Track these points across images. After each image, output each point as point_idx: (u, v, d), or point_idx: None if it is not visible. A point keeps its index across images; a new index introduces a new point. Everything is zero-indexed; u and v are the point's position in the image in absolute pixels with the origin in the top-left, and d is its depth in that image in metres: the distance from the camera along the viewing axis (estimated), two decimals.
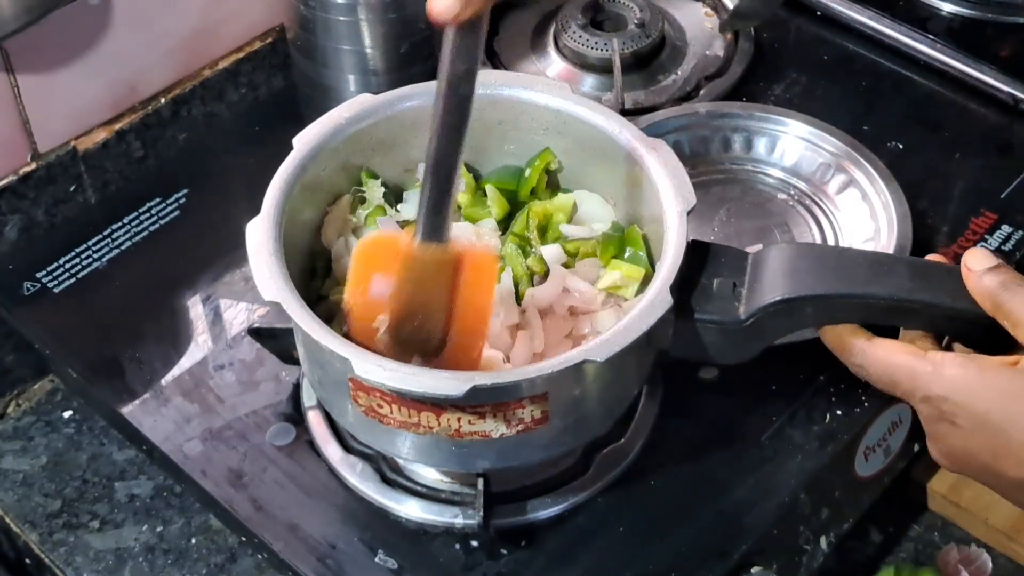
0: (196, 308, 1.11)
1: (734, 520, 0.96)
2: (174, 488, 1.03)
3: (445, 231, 0.84)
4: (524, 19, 1.36)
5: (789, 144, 1.18)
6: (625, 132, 0.94)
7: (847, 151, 1.15)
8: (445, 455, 0.89)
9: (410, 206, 0.98)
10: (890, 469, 1.08)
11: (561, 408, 0.86)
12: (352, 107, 0.96)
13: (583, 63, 1.29)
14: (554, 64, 1.30)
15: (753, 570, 0.95)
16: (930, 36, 1.31)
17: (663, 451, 1.00)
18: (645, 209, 0.93)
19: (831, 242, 1.12)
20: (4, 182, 1.12)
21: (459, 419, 0.84)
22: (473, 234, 0.96)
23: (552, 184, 1.00)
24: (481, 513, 0.93)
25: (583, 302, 0.91)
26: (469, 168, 1.01)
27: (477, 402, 0.83)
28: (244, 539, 0.99)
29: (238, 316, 1.09)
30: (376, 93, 0.97)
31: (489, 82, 0.98)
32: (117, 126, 1.18)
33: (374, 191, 0.98)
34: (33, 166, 1.13)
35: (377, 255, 0.87)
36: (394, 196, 1.00)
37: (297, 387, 1.04)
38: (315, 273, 0.96)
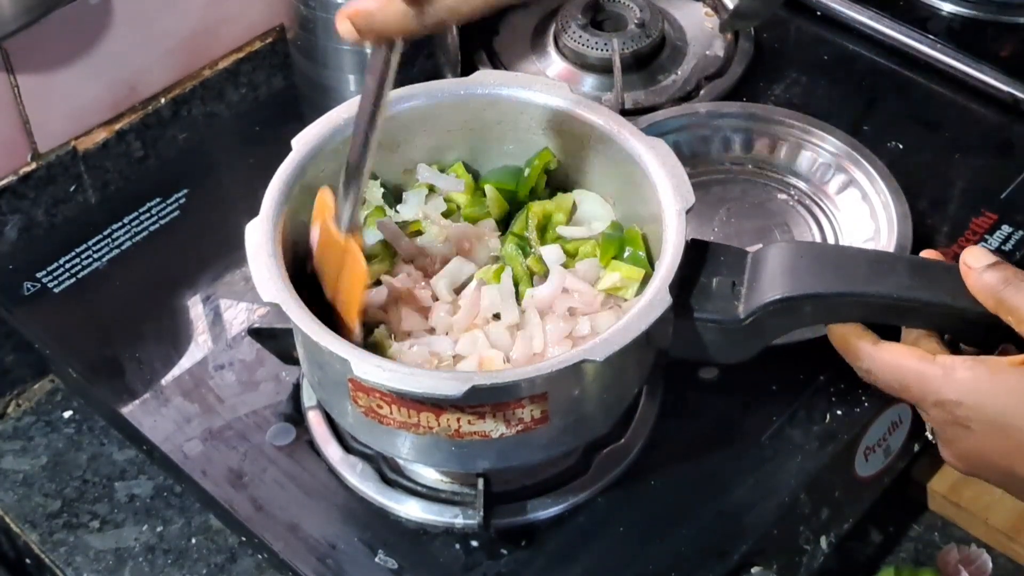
0: (196, 308, 1.11)
1: (734, 520, 0.96)
2: (174, 488, 1.03)
3: (347, 221, 0.88)
4: (524, 19, 1.36)
5: (789, 144, 1.18)
6: (624, 132, 0.94)
7: (847, 151, 1.15)
8: (445, 455, 0.89)
9: (409, 206, 0.98)
10: (890, 469, 1.08)
11: (561, 408, 0.86)
12: (351, 107, 0.95)
13: (583, 63, 1.29)
14: (554, 64, 1.30)
15: (753, 570, 0.95)
16: (930, 36, 1.31)
17: (663, 451, 1.00)
18: (644, 208, 0.93)
19: (831, 242, 1.12)
20: (4, 182, 1.12)
21: (459, 419, 0.84)
22: (473, 235, 0.96)
23: (552, 184, 1.00)
24: (481, 513, 0.93)
25: (583, 303, 0.91)
26: (468, 168, 1.01)
27: (476, 402, 0.83)
28: (244, 539, 0.99)
29: (238, 316, 1.09)
30: None
31: (488, 82, 0.98)
32: (117, 126, 1.18)
33: (373, 192, 0.98)
34: (33, 166, 1.13)
35: (323, 207, 0.92)
36: (393, 196, 1.00)
37: (297, 387, 1.04)
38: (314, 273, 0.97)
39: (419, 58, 1.18)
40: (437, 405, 0.84)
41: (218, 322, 1.09)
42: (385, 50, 0.84)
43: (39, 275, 1.12)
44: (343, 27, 0.83)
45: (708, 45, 1.33)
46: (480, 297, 0.91)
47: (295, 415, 1.02)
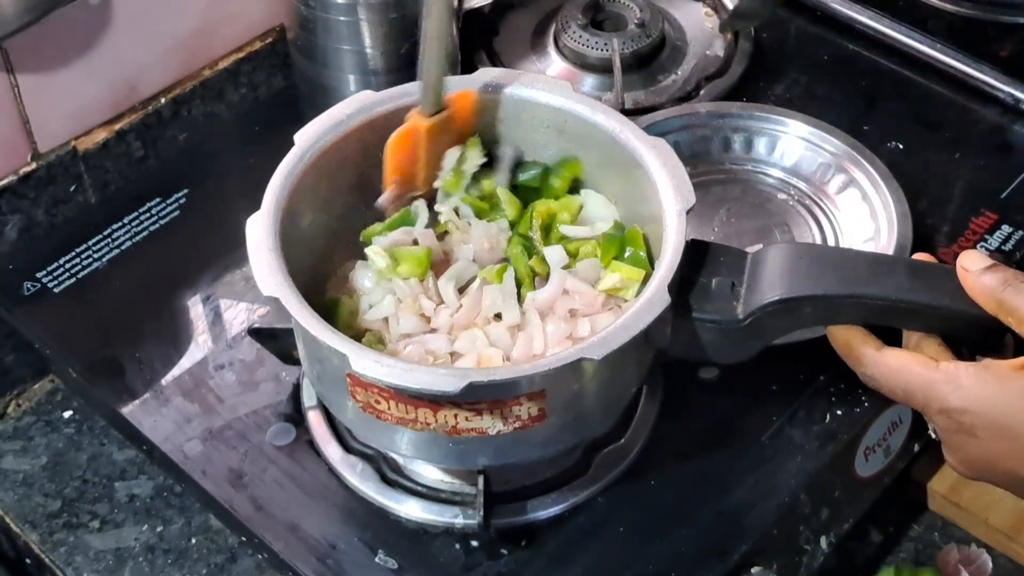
0: (196, 308, 1.11)
1: (734, 520, 0.96)
2: (174, 488, 1.03)
3: (433, 99, 0.94)
4: (524, 19, 1.36)
5: (789, 144, 1.18)
6: (625, 131, 0.94)
7: (847, 151, 1.15)
8: (443, 451, 0.89)
9: (445, 208, 0.99)
10: (890, 469, 1.08)
11: (559, 406, 0.86)
12: (353, 104, 0.96)
13: (583, 63, 1.29)
14: (554, 64, 1.30)
15: (753, 570, 0.95)
16: (930, 36, 1.31)
17: (663, 451, 1.00)
18: (645, 208, 0.93)
19: (831, 242, 1.12)
20: (4, 182, 1.12)
21: (456, 416, 0.84)
22: (486, 237, 0.96)
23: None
24: (481, 513, 0.93)
25: (583, 304, 0.91)
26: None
27: (474, 399, 0.83)
28: (244, 539, 0.99)
29: (238, 316, 1.09)
30: None
31: (490, 80, 0.98)
32: (117, 126, 1.18)
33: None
34: (33, 166, 1.13)
35: (402, 144, 0.96)
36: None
37: (297, 387, 1.04)
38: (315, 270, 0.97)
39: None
40: (434, 401, 0.84)
41: (218, 322, 1.09)
42: None
43: (39, 275, 1.12)
44: None
45: (708, 45, 1.33)
46: (482, 296, 0.91)
47: (295, 415, 1.02)
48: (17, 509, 1.03)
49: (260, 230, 0.88)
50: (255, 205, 0.89)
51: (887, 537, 1.14)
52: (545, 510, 0.96)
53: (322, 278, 0.96)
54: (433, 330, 0.91)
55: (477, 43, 1.32)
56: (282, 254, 0.87)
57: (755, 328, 0.86)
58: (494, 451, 0.88)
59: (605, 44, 1.27)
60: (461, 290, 0.93)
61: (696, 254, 0.88)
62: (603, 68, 1.27)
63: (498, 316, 0.91)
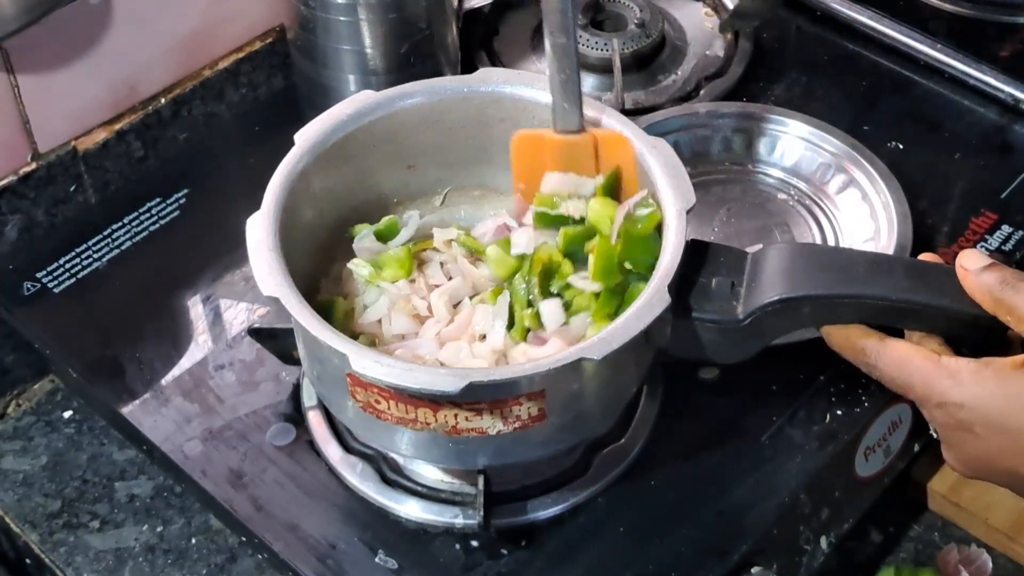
0: (196, 308, 1.11)
1: (734, 520, 0.96)
2: (174, 488, 1.03)
3: (579, 119, 0.93)
4: (524, 19, 1.36)
5: (789, 144, 1.18)
6: (625, 131, 0.94)
7: (847, 151, 1.15)
8: (443, 451, 0.89)
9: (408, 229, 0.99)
10: (890, 469, 1.08)
11: (559, 405, 0.86)
12: (353, 104, 0.96)
13: (583, 63, 1.27)
14: None
15: (753, 570, 0.95)
16: (930, 36, 1.31)
17: (663, 451, 1.00)
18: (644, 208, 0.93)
19: (831, 242, 1.12)
20: (4, 182, 1.12)
21: (456, 415, 0.84)
22: (470, 280, 0.95)
23: None
24: (481, 513, 0.93)
25: None
26: (469, 166, 1.01)
27: (474, 399, 0.83)
28: (244, 539, 0.99)
29: (238, 316, 1.09)
30: None
31: (490, 80, 0.98)
32: (117, 126, 1.18)
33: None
34: (33, 166, 1.13)
35: (527, 150, 0.96)
36: (394, 198, 1.00)
37: (297, 387, 1.04)
38: (315, 270, 0.97)
39: (419, 58, 1.18)
40: (434, 401, 0.84)
41: (218, 322, 1.09)
42: None
43: (39, 275, 1.12)
44: None
45: (708, 45, 1.33)
46: (473, 314, 0.91)
47: (295, 415, 1.02)
48: (17, 509, 1.03)
49: (260, 230, 0.88)
50: (255, 205, 0.89)
51: (887, 537, 1.14)
52: (545, 510, 0.96)
53: (321, 278, 0.97)
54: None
55: (477, 43, 1.32)
56: (282, 254, 0.87)
57: (755, 328, 0.86)
58: (494, 451, 0.88)
59: (605, 44, 1.27)
60: (455, 306, 0.94)
61: (696, 254, 0.88)
62: (603, 68, 1.27)
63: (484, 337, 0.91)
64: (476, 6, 1.34)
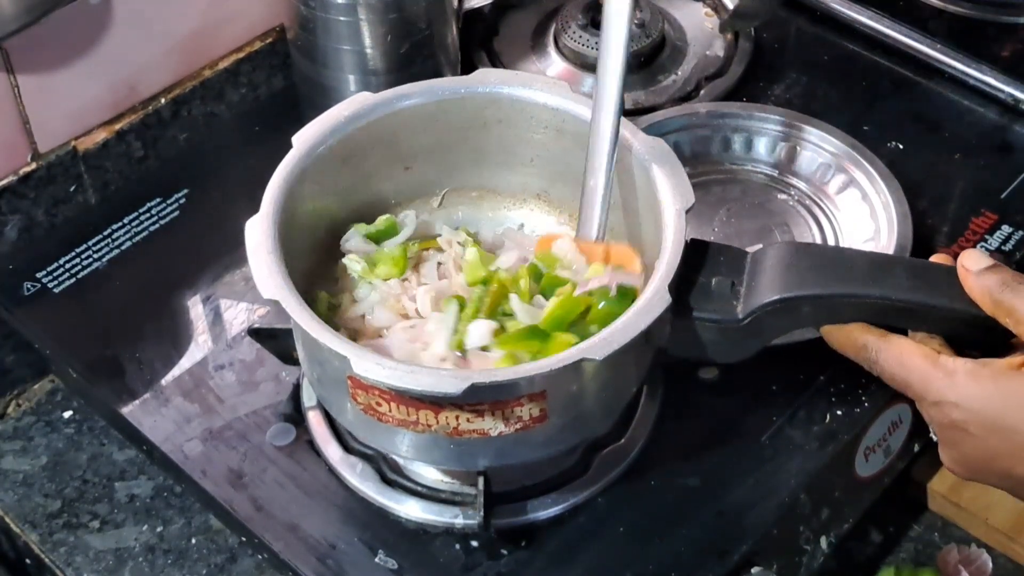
0: (196, 308, 1.11)
1: (734, 520, 0.96)
2: (174, 488, 1.03)
3: (599, 229, 0.92)
4: (524, 19, 1.36)
5: (789, 144, 1.18)
6: (624, 131, 0.94)
7: (847, 151, 1.15)
8: (444, 453, 0.89)
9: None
10: (890, 469, 1.08)
11: (560, 406, 0.86)
12: (351, 105, 0.96)
13: (583, 63, 1.29)
14: (554, 64, 1.30)
15: (753, 570, 0.95)
16: (930, 36, 1.31)
17: (663, 451, 1.00)
18: (643, 208, 0.93)
19: (831, 242, 1.12)
20: (4, 182, 1.12)
21: (457, 417, 0.84)
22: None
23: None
24: (481, 513, 0.93)
25: None
26: (468, 166, 1.01)
27: (475, 400, 0.83)
28: (244, 539, 0.99)
29: (238, 316, 1.09)
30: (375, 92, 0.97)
31: (488, 81, 0.98)
32: (117, 126, 1.18)
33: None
34: (33, 166, 1.13)
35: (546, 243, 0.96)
36: (394, 199, 1.00)
37: (297, 387, 1.04)
38: (314, 272, 0.97)
39: (419, 58, 1.18)
40: (436, 403, 0.84)
41: (218, 322, 1.09)
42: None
43: (39, 275, 1.12)
44: None
45: (708, 45, 1.33)
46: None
47: (295, 415, 1.02)
48: (17, 509, 1.03)
49: (259, 232, 0.88)
50: (255, 205, 0.89)
51: (887, 537, 1.14)
52: (545, 510, 0.96)
53: (320, 279, 0.97)
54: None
55: (477, 43, 1.32)
56: (281, 256, 0.87)
57: (755, 327, 0.86)
58: (495, 452, 0.88)
59: None
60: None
61: (696, 254, 0.88)
62: None
63: None
64: (476, 6, 1.34)
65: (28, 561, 1.05)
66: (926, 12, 1.38)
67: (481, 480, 0.93)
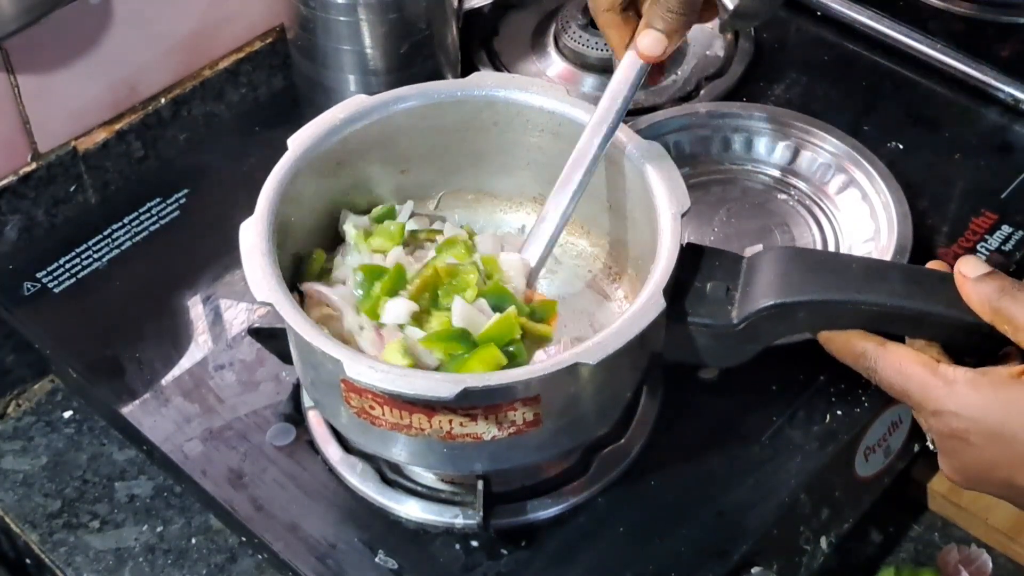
0: (196, 308, 1.11)
1: (734, 520, 0.96)
2: (174, 488, 1.04)
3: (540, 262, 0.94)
4: (524, 19, 1.36)
5: (789, 144, 1.18)
6: (620, 134, 0.94)
7: (847, 151, 1.15)
8: (438, 457, 0.88)
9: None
10: (890, 469, 1.08)
11: (554, 410, 0.86)
12: (347, 108, 0.96)
13: (583, 63, 1.29)
14: (554, 64, 1.30)
15: (753, 570, 0.95)
16: (930, 36, 1.31)
17: (663, 451, 1.00)
18: (639, 211, 0.93)
19: (831, 242, 1.12)
20: (4, 182, 1.12)
21: (450, 421, 0.84)
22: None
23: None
24: (481, 513, 0.93)
25: None
26: (467, 166, 1.01)
27: (468, 404, 0.83)
28: (244, 539, 0.99)
29: (238, 316, 1.10)
30: (376, 93, 0.97)
31: (485, 84, 0.98)
32: (117, 126, 1.18)
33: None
34: (33, 166, 1.13)
35: None
36: (396, 199, 1.01)
37: (297, 387, 1.04)
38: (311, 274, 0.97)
39: (419, 58, 1.18)
40: (429, 407, 0.84)
41: (218, 322, 1.09)
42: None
43: (39, 275, 1.12)
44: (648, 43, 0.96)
45: (708, 45, 1.33)
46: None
47: (295, 415, 1.03)
48: (17, 509, 1.03)
49: (253, 235, 0.88)
50: (255, 205, 0.89)
51: (887, 537, 1.14)
52: (545, 510, 0.96)
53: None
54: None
55: (477, 43, 1.32)
56: (276, 259, 0.87)
57: (750, 332, 0.86)
58: (489, 456, 0.88)
59: (605, 44, 1.27)
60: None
61: (691, 258, 0.88)
62: (603, 68, 1.27)
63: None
64: (476, 6, 1.34)
65: (28, 561, 1.05)
66: (926, 12, 1.37)
67: (481, 481, 0.93)
